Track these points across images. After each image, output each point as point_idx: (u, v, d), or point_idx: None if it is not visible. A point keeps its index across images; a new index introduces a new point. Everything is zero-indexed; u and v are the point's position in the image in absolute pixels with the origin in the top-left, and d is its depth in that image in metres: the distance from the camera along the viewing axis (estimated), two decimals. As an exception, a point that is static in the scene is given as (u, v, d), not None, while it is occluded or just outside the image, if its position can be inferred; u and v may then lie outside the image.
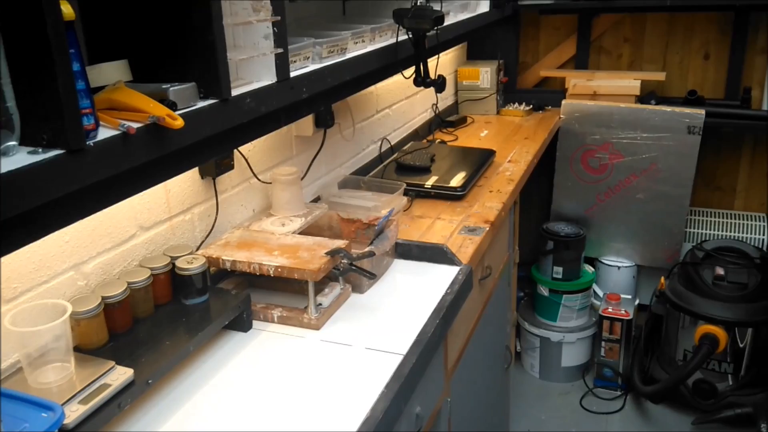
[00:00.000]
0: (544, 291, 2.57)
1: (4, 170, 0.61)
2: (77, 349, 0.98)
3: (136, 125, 0.75)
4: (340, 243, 1.25)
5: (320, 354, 1.12)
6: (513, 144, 2.33)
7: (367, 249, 1.27)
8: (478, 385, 1.73)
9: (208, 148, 0.94)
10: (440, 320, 1.22)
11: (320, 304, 1.21)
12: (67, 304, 0.90)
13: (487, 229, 1.60)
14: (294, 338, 1.17)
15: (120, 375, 0.92)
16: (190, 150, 0.88)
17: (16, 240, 0.69)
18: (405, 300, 1.31)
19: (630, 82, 2.67)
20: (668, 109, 2.54)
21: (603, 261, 2.79)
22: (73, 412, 0.84)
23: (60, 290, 1.00)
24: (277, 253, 1.22)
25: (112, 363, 0.93)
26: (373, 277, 1.24)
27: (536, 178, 2.58)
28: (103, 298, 1.01)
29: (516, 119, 2.69)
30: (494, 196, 1.82)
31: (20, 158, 0.65)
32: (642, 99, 2.68)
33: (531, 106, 2.78)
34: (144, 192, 1.13)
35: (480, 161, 2.02)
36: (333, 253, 1.21)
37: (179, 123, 0.77)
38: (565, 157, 2.71)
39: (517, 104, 2.80)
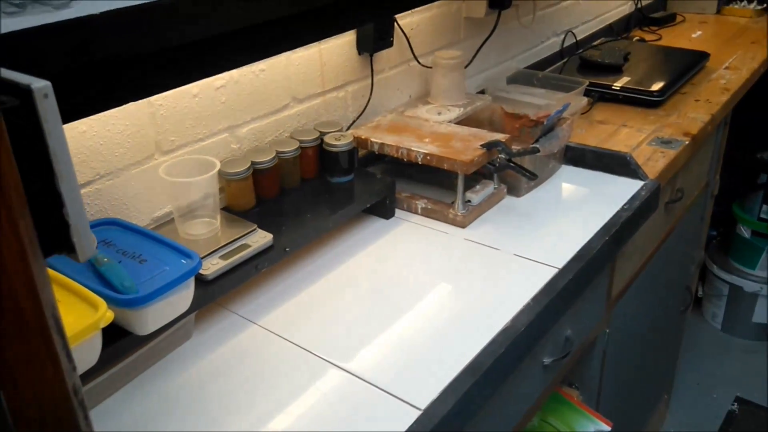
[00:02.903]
0: (746, 232, 2.16)
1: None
2: (226, 209, 1.00)
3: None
4: (499, 136, 1.10)
5: (463, 252, 1.02)
6: (734, 48, 1.89)
7: (531, 146, 1.10)
8: (645, 324, 1.51)
9: (362, 10, 0.83)
10: (610, 238, 1.04)
11: (469, 201, 1.10)
12: (216, 161, 0.91)
13: (687, 142, 1.32)
14: (437, 232, 1.08)
15: (260, 238, 0.92)
16: (342, 7, 0.79)
17: (166, 78, 0.67)
18: (569, 210, 1.13)
19: None
20: None
21: (833, 206, 2.24)
22: (213, 265, 0.86)
23: (214, 150, 1.01)
24: (428, 141, 1.11)
25: (254, 226, 0.93)
26: (534, 177, 1.09)
27: (757, 98, 2.10)
28: (253, 162, 1.00)
29: (742, 20, 2.16)
30: (701, 106, 1.49)
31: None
32: None
33: (765, 5, 2.21)
34: (299, 62, 1.10)
35: (687, 64, 1.66)
36: (490, 146, 1.07)
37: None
38: (804, 71, 2.15)
39: (745, 1, 2.25)
